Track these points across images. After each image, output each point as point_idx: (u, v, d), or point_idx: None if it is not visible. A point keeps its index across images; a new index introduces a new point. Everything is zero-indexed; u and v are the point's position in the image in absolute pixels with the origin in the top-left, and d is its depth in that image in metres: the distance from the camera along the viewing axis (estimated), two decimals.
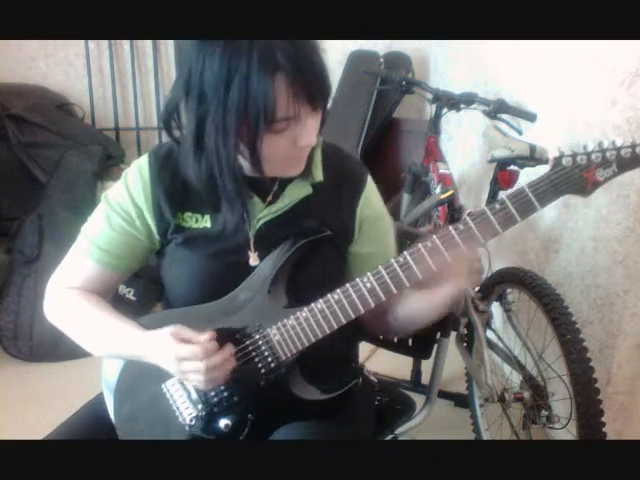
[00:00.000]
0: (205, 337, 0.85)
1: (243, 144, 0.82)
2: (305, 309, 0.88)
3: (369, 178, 1.02)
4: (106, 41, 2.95)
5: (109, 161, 2.64)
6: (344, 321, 0.87)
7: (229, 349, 0.87)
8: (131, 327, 0.92)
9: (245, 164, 0.88)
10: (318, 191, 0.96)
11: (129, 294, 2.35)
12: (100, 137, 2.79)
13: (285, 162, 0.87)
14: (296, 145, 0.84)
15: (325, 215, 0.96)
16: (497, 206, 0.81)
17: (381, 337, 1.33)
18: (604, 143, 0.79)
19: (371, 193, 1.02)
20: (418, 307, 0.96)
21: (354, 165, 1.03)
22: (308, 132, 0.83)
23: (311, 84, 0.79)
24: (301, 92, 0.78)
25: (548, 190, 0.80)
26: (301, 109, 0.80)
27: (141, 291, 2.35)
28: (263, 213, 0.94)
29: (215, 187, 0.88)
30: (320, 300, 0.88)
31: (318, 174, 0.96)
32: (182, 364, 0.83)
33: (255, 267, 0.93)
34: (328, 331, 0.88)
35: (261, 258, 0.94)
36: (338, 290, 0.87)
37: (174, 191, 0.94)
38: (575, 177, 0.80)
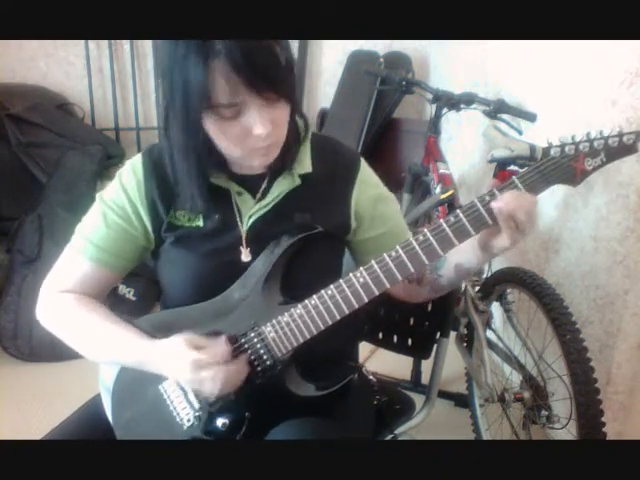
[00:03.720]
0: (220, 342, 0.86)
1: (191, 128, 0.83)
2: (299, 306, 0.88)
3: (363, 163, 1.01)
4: (106, 41, 2.95)
5: (109, 161, 2.63)
6: (338, 317, 0.87)
7: (244, 358, 0.88)
8: (133, 335, 0.91)
9: (231, 161, 0.89)
10: (309, 184, 0.96)
11: (129, 294, 2.35)
12: (100, 137, 2.79)
13: (248, 152, 0.86)
14: (251, 134, 0.82)
15: (317, 208, 0.96)
16: (487, 197, 0.82)
17: (381, 337, 1.33)
18: (592, 133, 0.80)
19: (366, 177, 1.01)
20: (469, 258, 0.92)
21: (346, 153, 1.02)
22: (260, 121, 0.81)
23: (251, 73, 0.77)
24: (240, 80, 0.77)
25: (537, 180, 0.81)
26: (244, 97, 0.79)
27: (141, 291, 2.36)
28: (254, 209, 0.94)
29: (175, 171, 0.90)
30: (314, 296, 0.88)
31: (305, 165, 0.96)
32: (200, 371, 0.83)
33: (248, 263, 0.94)
34: (322, 327, 0.88)
35: (253, 254, 0.94)
36: (332, 286, 0.87)
37: (167, 189, 0.94)
38: (564, 167, 0.81)
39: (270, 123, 0.82)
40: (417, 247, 0.84)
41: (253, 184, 0.95)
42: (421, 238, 0.84)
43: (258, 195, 0.95)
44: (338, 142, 1.03)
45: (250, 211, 0.94)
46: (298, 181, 0.95)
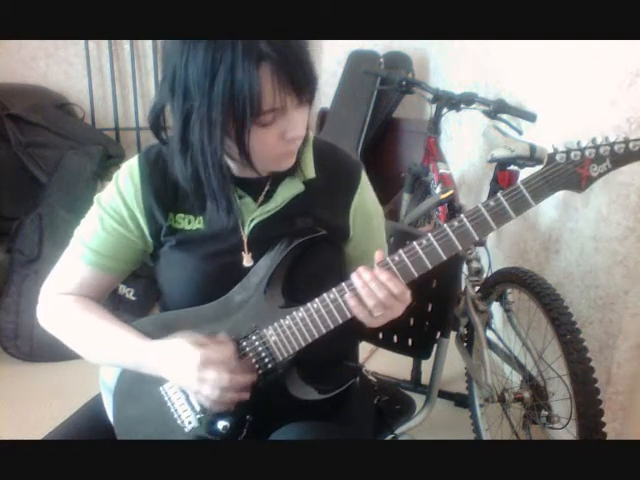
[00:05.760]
0: (225, 342, 0.86)
1: (230, 139, 0.81)
2: (301, 309, 0.88)
3: (363, 174, 1.01)
4: (106, 41, 2.95)
5: (109, 161, 2.63)
6: (340, 320, 0.87)
7: (252, 378, 0.88)
8: (131, 335, 0.91)
9: (233, 164, 0.88)
10: (311, 189, 0.95)
11: (129, 294, 2.34)
12: (100, 137, 2.79)
13: (276, 156, 0.86)
14: (285, 137, 0.83)
15: (319, 213, 0.95)
16: (491, 203, 0.81)
17: (381, 337, 1.33)
18: (597, 139, 0.80)
19: (365, 189, 1.01)
20: None
21: (348, 161, 1.02)
22: (296, 124, 0.83)
23: (297, 73, 0.78)
24: (287, 81, 0.78)
25: (542, 186, 0.80)
26: (287, 99, 0.79)
27: (141, 291, 2.35)
28: (256, 213, 0.93)
29: (200, 186, 0.87)
30: (316, 299, 0.87)
31: (309, 171, 0.95)
32: (206, 369, 0.83)
33: (249, 268, 0.93)
34: (324, 330, 0.88)
35: (255, 259, 0.93)
36: (334, 289, 0.87)
37: (165, 193, 0.93)
38: (569, 173, 0.80)
39: (302, 126, 0.84)
40: (420, 252, 0.83)
41: (255, 187, 0.94)
42: (424, 242, 0.83)
43: (260, 198, 0.95)
44: (338, 148, 1.03)
45: (252, 214, 0.94)
46: (302, 187, 0.94)
